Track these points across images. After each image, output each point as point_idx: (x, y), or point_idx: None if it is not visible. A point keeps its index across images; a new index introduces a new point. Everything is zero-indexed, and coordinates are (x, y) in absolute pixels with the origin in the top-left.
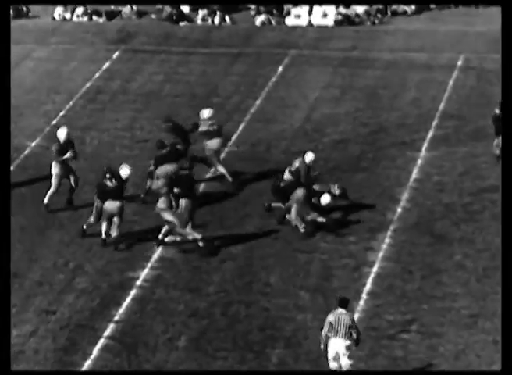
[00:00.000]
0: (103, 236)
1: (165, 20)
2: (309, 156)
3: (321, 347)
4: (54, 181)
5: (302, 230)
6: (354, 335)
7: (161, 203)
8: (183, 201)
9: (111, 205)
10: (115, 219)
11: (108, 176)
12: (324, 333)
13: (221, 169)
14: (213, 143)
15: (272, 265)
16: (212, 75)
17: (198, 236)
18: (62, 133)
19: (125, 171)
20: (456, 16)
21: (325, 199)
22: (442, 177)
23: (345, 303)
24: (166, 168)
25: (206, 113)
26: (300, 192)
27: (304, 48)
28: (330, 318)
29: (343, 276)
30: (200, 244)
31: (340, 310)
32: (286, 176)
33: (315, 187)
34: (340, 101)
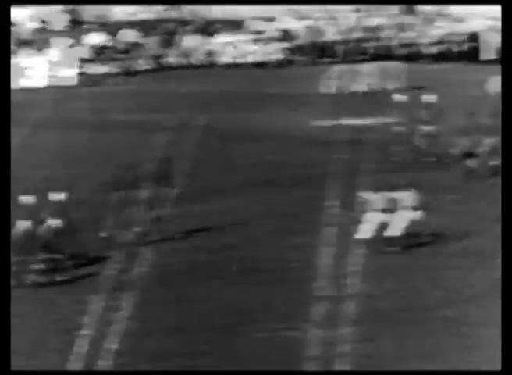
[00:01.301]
0: None
1: None
2: None
3: None
4: None
5: None
6: None
7: None
8: None
9: None
10: None
11: None
12: None
13: None
14: None
15: None
16: None
17: None
18: None
19: None
20: (194, 76)
21: None
22: (181, 235)
23: None
24: None
25: None
26: None
27: (41, 111)
28: None
29: (86, 337)
30: None
31: None
32: None
33: None
34: (79, 162)
